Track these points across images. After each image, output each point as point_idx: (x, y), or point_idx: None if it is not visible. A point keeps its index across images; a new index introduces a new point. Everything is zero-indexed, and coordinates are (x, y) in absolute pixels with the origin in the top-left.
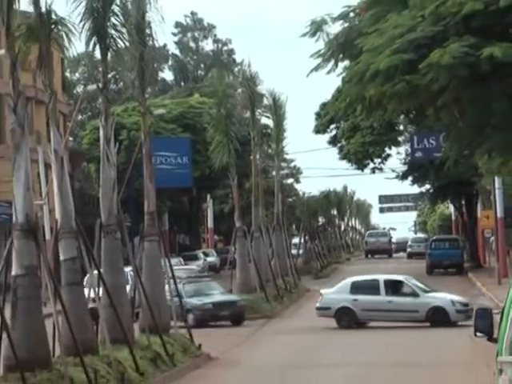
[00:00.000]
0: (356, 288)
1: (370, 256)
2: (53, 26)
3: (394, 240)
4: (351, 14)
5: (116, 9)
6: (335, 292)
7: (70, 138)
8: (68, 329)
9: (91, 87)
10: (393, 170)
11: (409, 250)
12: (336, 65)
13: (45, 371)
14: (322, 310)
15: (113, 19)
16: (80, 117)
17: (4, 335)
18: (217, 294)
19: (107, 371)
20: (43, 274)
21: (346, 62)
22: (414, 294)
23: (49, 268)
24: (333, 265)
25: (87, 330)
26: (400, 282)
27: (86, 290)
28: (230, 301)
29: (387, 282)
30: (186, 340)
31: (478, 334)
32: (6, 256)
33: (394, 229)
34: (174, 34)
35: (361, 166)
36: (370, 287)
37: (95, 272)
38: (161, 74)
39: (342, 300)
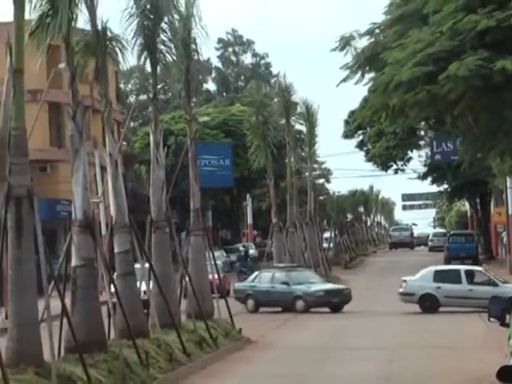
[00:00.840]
0: (439, 276)
1: (393, 249)
2: (108, 42)
3: (415, 234)
4: (376, 31)
5: (164, 26)
6: (418, 279)
7: (124, 143)
8: (122, 314)
9: (142, 97)
10: (414, 171)
11: (430, 243)
12: (363, 76)
13: (101, 353)
14: (405, 295)
15: (162, 36)
16: (132, 124)
17: (64, 320)
18: (321, 282)
19: (157, 352)
20: (99, 265)
21: (372, 74)
22: (494, 284)
23: (105, 260)
24: (360, 257)
25: (139, 316)
26: (480, 272)
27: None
28: (339, 288)
29: (468, 272)
30: (228, 325)
31: (492, 319)
32: (67, 249)
33: (415, 224)
34: (217, 49)
35: (385, 168)
36: (452, 276)
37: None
38: (205, 85)
39: (425, 287)
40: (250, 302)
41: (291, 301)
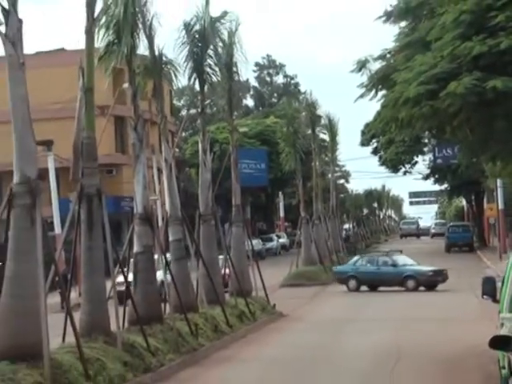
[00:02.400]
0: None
1: (403, 238)
2: (163, 66)
3: (420, 227)
4: (387, 55)
5: (210, 52)
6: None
7: (177, 150)
8: (175, 292)
9: (192, 111)
10: (419, 173)
11: (432, 231)
12: (376, 93)
13: (158, 324)
14: None
15: (208, 60)
16: (184, 134)
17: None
18: (420, 265)
19: (204, 324)
20: (157, 252)
21: (384, 92)
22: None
23: (161, 247)
24: (374, 244)
25: (189, 294)
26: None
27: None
28: (440, 269)
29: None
30: (263, 301)
31: (485, 296)
32: (129, 238)
33: (420, 218)
34: (254, 71)
35: (395, 170)
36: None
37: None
38: (244, 101)
39: None
40: (352, 282)
41: (400, 280)
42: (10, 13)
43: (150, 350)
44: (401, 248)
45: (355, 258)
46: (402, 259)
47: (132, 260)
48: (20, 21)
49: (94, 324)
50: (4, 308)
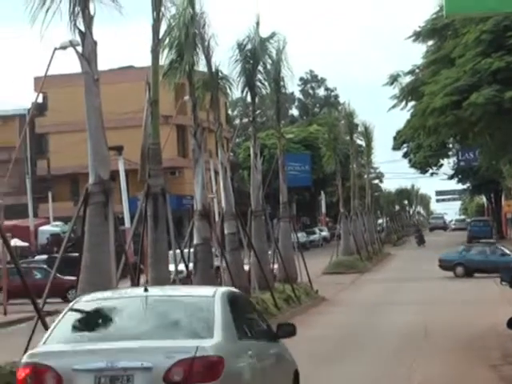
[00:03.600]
0: None
1: (433, 231)
2: (219, 81)
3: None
4: (416, 70)
5: (260, 68)
6: None
7: (231, 154)
8: (230, 278)
9: (244, 120)
10: (445, 174)
11: (453, 226)
12: (406, 104)
13: None
14: None
15: (259, 75)
16: (237, 140)
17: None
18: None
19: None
20: (214, 243)
21: (413, 102)
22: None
23: (217, 239)
24: (405, 237)
25: (243, 280)
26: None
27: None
28: None
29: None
30: (307, 287)
31: (503, 282)
32: (190, 232)
33: (446, 213)
34: (299, 85)
35: (423, 171)
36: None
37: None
38: (290, 112)
39: None
40: (460, 269)
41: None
42: (86, 35)
43: None
44: (433, 239)
45: (460, 247)
46: (505, 248)
47: (192, 250)
48: (94, 42)
49: None
50: (84, 292)
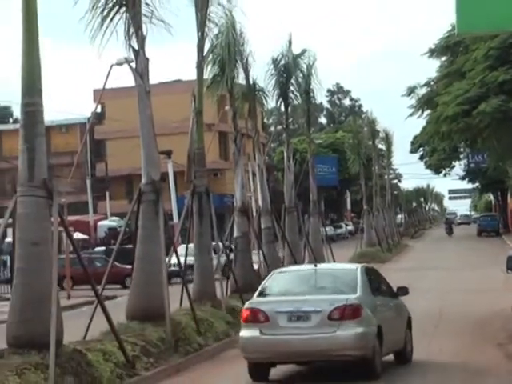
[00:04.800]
0: None
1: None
2: (256, 92)
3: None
4: (431, 83)
5: (293, 81)
6: None
7: (267, 158)
8: (266, 267)
9: (279, 127)
10: (456, 174)
11: (459, 221)
12: (422, 112)
13: (252, 293)
14: None
15: (291, 88)
16: (272, 145)
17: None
18: None
19: None
20: (252, 236)
21: (428, 111)
22: None
23: (255, 233)
24: (421, 230)
25: (277, 267)
26: None
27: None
28: None
29: None
30: None
31: (509, 271)
32: (231, 226)
33: (457, 210)
34: (326, 96)
35: (437, 172)
36: None
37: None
38: (319, 120)
39: None
40: None
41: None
42: (139, 53)
43: None
44: (442, 232)
45: None
46: None
47: (233, 243)
48: (147, 59)
49: (204, 292)
50: (136, 281)
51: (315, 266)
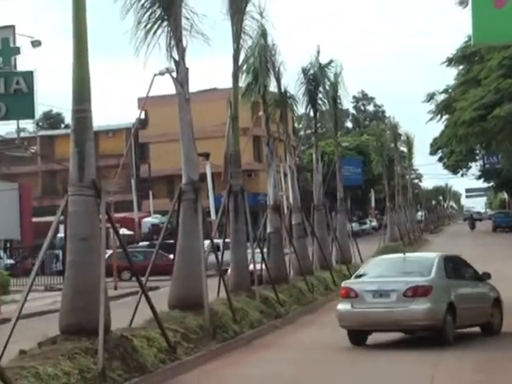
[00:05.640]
0: None
1: (464, 221)
2: (287, 99)
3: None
4: (449, 90)
5: (321, 89)
6: None
7: (297, 159)
8: (297, 261)
9: (308, 131)
10: (473, 174)
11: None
12: (441, 117)
13: (284, 284)
14: None
15: (319, 95)
16: (302, 147)
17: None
18: None
19: (318, 284)
20: (283, 232)
21: (447, 116)
22: None
23: (286, 229)
24: (440, 226)
25: (307, 262)
26: None
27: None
28: None
29: None
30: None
31: None
32: (264, 222)
33: (473, 207)
34: (352, 102)
35: (455, 172)
36: None
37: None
38: (345, 124)
39: None
40: None
41: None
42: (180, 63)
43: (279, 301)
44: (463, 228)
45: None
46: None
47: (266, 238)
48: (186, 68)
49: (239, 283)
50: (177, 273)
51: (404, 254)
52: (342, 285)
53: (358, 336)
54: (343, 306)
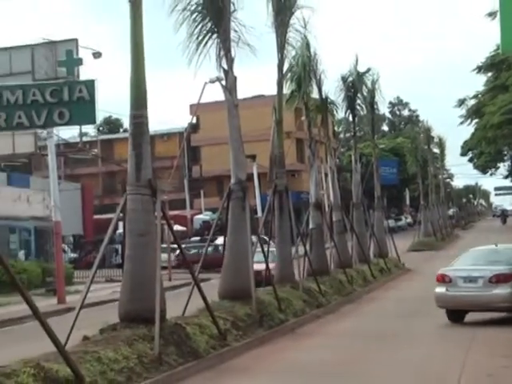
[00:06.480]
0: None
1: (495, 217)
2: (328, 105)
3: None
4: (479, 95)
5: (359, 95)
6: None
7: (337, 160)
8: (337, 254)
9: (347, 135)
10: (501, 174)
11: (498, 213)
12: (471, 121)
13: (325, 276)
14: None
15: (358, 101)
16: (341, 149)
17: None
18: None
19: (357, 276)
20: (325, 228)
21: (477, 120)
22: None
23: (327, 225)
24: (471, 223)
25: (347, 255)
26: None
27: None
28: None
29: None
30: (396, 260)
31: None
32: (306, 219)
33: (502, 205)
34: (388, 107)
35: (484, 172)
36: None
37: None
38: (381, 128)
39: None
40: None
41: None
42: (228, 72)
43: (321, 292)
44: (491, 224)
45: None
46: None
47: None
48: (235, 77)
49: (284, 275)
50: (227, 265)
51: (495, 245)
52: (439, 272)
53: (455, 314)
54: (439, 290)
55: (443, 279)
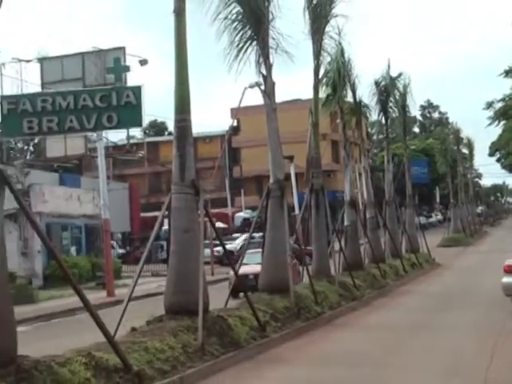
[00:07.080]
0: None
1: None
2: (362, 108)
3: None
4: (506, 98)
5: (391, 99)
6: None
7: (370, 161)
8: (371, 250)
9: (380, 136)
10: None
11: None
12: (499, 122)
13: (359, 270)
14: None
15: (390, 104)
16: (374, 150)
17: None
18: None
19: (389, 270)
20: (359, 225)
21: (504, 121)
22: None
23: (361, 222)
24: (498, 220)
25: (380, 251)
26: None
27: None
28: None
29: None
30: (427, 256)
31: None
32: (341, 217)
33: None
34: (419, 110)
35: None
36: None
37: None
38: (413, 129)
39: None
40: None
41: None
42: (267, 77)
43: (356, 286)
44: None
45: None
46: None
47: (344, 230)
48: (273, 82)
49: (320, 269)
50: (266, 260)
51: None
52: (506, 262)
53: None
54: (507, 279)
55: (511, 270)
